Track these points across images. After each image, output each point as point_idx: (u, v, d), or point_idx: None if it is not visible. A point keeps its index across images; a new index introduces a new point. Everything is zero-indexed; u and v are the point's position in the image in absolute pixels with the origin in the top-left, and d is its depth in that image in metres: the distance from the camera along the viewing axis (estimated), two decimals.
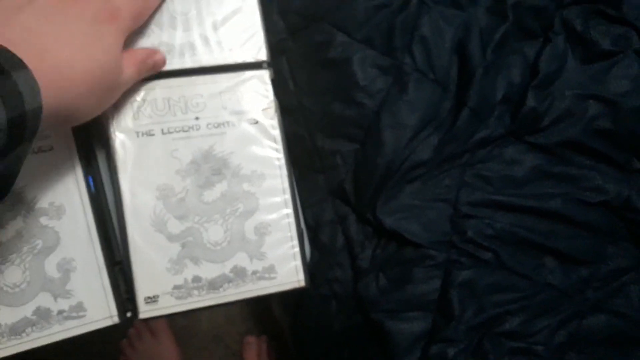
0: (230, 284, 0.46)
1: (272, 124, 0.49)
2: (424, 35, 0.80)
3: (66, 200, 0.44)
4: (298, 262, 0.48)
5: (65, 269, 0.43)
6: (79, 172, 0.45)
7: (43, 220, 0.43)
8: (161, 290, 0.45)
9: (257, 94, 0.49)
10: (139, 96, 0.46)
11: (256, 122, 0.48)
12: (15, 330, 0.42)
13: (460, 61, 0.82)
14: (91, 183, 0.45)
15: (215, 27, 0.48)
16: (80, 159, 0.45)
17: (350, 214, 0.85)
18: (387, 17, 0.80)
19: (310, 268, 0.69)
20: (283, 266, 0.47)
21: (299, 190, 0.85)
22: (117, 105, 0.45)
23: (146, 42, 0.46)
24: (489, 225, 0.81)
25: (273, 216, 0.48)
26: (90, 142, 0.45)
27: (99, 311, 0.44)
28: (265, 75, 0.49)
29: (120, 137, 0.46)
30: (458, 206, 0.82)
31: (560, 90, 0.82)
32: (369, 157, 0.82)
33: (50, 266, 0.43)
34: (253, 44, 0.49)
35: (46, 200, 0.44)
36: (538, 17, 0.83)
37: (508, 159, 0.83)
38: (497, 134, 0.83)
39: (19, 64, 0.29)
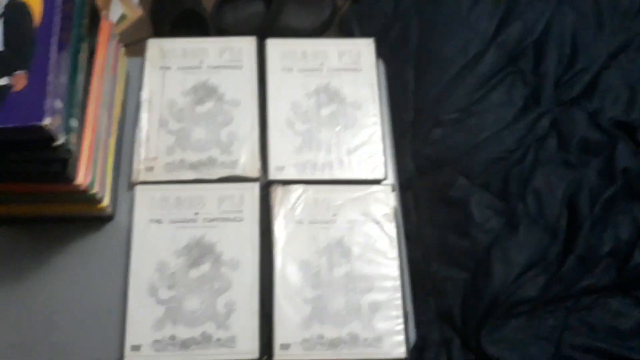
0: (346, 346, 0.58)
1: (390, 225, 0.63)
2: (536, 187, 0.92)
3: (243, 258, 0.60)
4: (401, 338, 0.58)
5: (230, 308, 0.58)
6: (256, 240, 0.61)
7: (223, 269, 0.60)
8: (292, 340, 0.58)
9: (381, 203, 0.64)
10: (297, 194, 0.64)
11: (378, 223, 0.63)
12: (185, 344, 0.57)
13: (569, 213, 0.91)
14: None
15: (348, 153, 0.66)
16: (260, 231, 0.62)
17: (455, 339, 0.92)
18: (504, 168, 0.94)
19: None
20: (389, 339, 0.58)
21: (414, 312, 0.95)
22: (283, 199, 0.63)
23: (298, 158, 0.65)
24: None
25: (384, 296, 0.60)
26: (270, 221, 0.62)
27: (246, 347, 0.57)
28: (387, 189, 0.65)
29: (281, 222, 0.63)
30: (561, 347, 0.86)
31: None
32: (478, 287, 0.91)
33: (220, 303, 0.59)
34: (374, 166, 0.66)
35: (229, 255, 0.61)
36: None
37: (613, 310, 0.87)
38: (603, 285, 0.88)
39: None
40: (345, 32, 1.26)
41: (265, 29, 1.32)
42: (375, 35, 1.12)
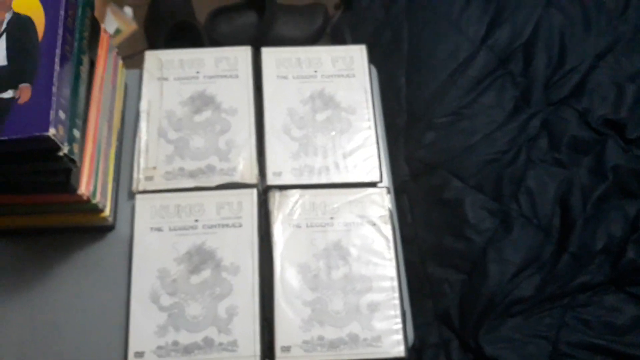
0: (346, 346, 0.59)
1: (386, 227, 0.65)
2: (529, 187, 0.93)
3: (243, 263, 0.62)
4: (400, 337, 0.60)
5: (231, 312, 0.59)
6: (255, 245, 0.62)
7: (224, 275, 0.61)
8: (293, 342, 0.59)
9: (377, 205, 0.66)
10: (294, 198, 0.65)
11: (374, 225, 0.64)
12: (188, 350, 0.58)
13: (562, 211, 0.93)
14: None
15: (344, 156, 0.68)
16: (259, 236, 0.63)
17: (453, 340, 0.93)
18: (497, 169, 0.95)
19: None
20: (387, 338, 0.59)
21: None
22: (281, 203, 0.64)
23: (295, 163, 0.66)
24: None
25: (382, 296, 0.61)
26: (269, 226, 0.64)
27: (247, 350, 0.58)
28: (383, 192, 0.66)
29: (279, 227, 0.64)
30: (558, 345, 0.87)
31: None
32: (474, 287, 0.92)
33: (222, 308, 0.60)
34: (370, 169, 0.67)
35: (229, 260, 0.62)
36: (638, 179, 0.93)
37: (608, 306, 0.88)
38: (598, 281, 0.90)
39: None
40: (338, 40, 1.28)
41: (258, 39, 1.33)
42: (367, 42, 1.14)
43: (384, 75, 1.09)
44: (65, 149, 0.49)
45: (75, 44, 0.54)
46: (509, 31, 1.04)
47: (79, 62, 0.54)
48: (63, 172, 0.52)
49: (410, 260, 0.99)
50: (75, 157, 0.51)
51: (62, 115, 0.48)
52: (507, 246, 0.91)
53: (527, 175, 0.94)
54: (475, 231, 0.93)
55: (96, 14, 1.27)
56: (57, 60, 0.49)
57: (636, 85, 0.99)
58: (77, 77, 0.53)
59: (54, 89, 0.48)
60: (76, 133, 0.52)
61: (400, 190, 1.01)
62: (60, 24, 0.51)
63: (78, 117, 0.53)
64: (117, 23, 1.36)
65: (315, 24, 1.38)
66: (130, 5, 1.38)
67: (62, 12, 0.51)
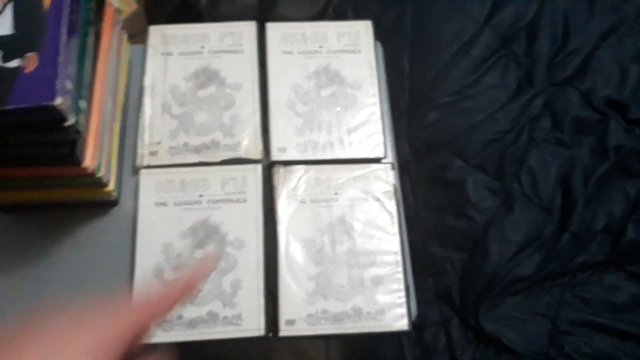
0: (349, 319, 0.59)
1: (390, 202, 0.65)
2: (531, 166, 0.94)
3: (247, 238, 0.62)
4: (404, 310, 0.60)
5: (235, 287, 0.60)
6: (260, 220, 0.63)
7: (228, 249, 0.61)
8: (297, 316, 0.59)
9: (381, 181, 0.66)
10: (298, 174, 0.65)
11: (378, 200, 0.64)
12: (193, 324, 0.58)
13: (563, 191, 0.93)
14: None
15: (349, 132, 0.67)
16: (264, 212, 0.63)
17: (454, 318, 0.94)
18: (499, 148, 0.95)
19: None
20: (391, 312, 0.60)
21: None
22: (285, 179, 0.64)
23: (299, 139, 0.66)
24: (587, 344, 0.86)
25: (386, 270, 0.61)
26: (273, 202, 0.64)
27: (252, 324, 0.59)
28: (387, 168, 0.66)
29: (284, 202, 0.64)
30: (557, 322, 0.88)
31: None
32: (475, 266, 0.93)
33: (226, 282, 0.60)
34: (374, 145, 0.67)
35: (234, 235, 0.62)
36: (639, 159, 0.94)
37: (608, 284, 0.89)
38: (598, 260, 0.90)
39: None
40: (341, 20, 1.27)
41: (259, 20, 1.33)
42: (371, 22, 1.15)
43: (387, 55, 1.09)
44: (71, 120, 0.49)
45: (82, 14, 0.53)
46: (512, 11, 1.04)
47: (86, 33, 0.54)
48: (68, 143, 0.52)
49: (412, 240, 0.99)
50: (82, 129, 0.51)
51: (68, 85, 0.48)
52: (508, 225, 0.92)
53: (529, 154, 0.94)
54: (477, 210, 0.94)
55: None
56: (63, 29, 0.49)
57: None
58: (83, 48, 0.53)
59: (61, 59, 0.48)
60: (82, 104, 0.52)
61: (403, 171, 1.01)
62: None
63: (85, 88, 0.53)
64: (117, 3, 1.34)
65: (317, 4, 1.37)
66: None
67: None
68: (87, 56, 0.54)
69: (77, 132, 0.50)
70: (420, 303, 0.98)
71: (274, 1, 1.34)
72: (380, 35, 1.11)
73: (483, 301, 0.91)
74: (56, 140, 0.51)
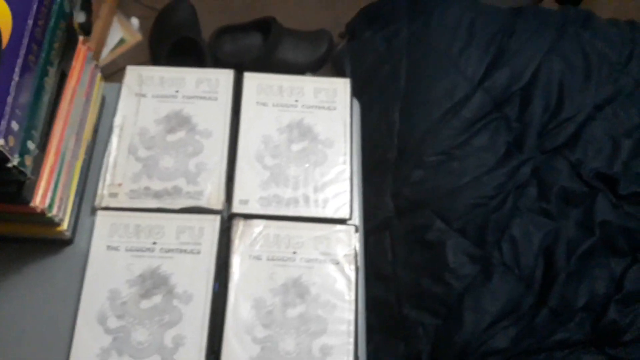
0: None
1: (350, 267, 0.62)
2: (513, 235, 0.91)
3: (196, 292, 0.59)
4: None
5: (177, 342, 0.57)
6: (211, 275, 0.60)
7: (175, 302, 0.59)
8: None
9: (343, 243, 0.63)
10: (258, 229, 0.63)
11: (338, 263, 0.62)
12: None
13: (545, 264, 0.90)
14: (216, 287, 0.61)
15: (315, 190, 0.65)
16: (216, 266, 0.61)
17: None
18: (482, 214, 0.93)
19: None
20: None
21: (380, 352, 0.93)
22: (243, 233, 0.62)
23: (263, 192, 0.64)
24: None
25: (337, 341, 0.58)
26: (228, 256, 0.62)
27: None
28: (351, 230, 0.64)
29: (239, 257, 0.62)
30: None
31: None
32: (448, 334, 0.89)
33: (168, 337, 0.57)
34: (340, 206, 0.65)
35: (182, 287, 0.60)
36: (627, 237, 0.90)
37: None
38: (576, 339, 0.87)
39: None
40: (338, 68, 1.27)
41: (261, 61, 1.33)
42: (366, 74, 1.14)
43: (379, 109, 1.08)
44: (14, 161, 0.48)
45: (42, 54, 0.53)
46: (507, 74, 1.03)
47: (44, 74, 0.53)
48: (14, 183, 0.51)
49: (386, 299, 0.96)
50: (27, 170, 0.50)
51: (14, 126, 0.47)
52: (485, 295, 0.89)
53: (512, 223, 0.92)
54: (454, 276, 0.91)
55: (102, 22, 1.28)
56: (17, 69, 0.48)
57: (633, 141, 0.97)
58: (40, 88, 0.53)
59: (9, 99, 0.47)
60: (30, 145, 0.51)
61: (384, 227, 0.99)
62: (27, 33, 0.50)
63: (35, 129, 0.52)
64: (122, 33, 1.36)
65: (319, 50, 1.37)
66: (137, 16, 1.39)
67: (30, 22, 0.51)
68: (43, 96, 0.53)
69: (21, 173, 0.49)
70: None
71: (276, 44, 1.34)
72: (373, 87, 1.11)
73: None
74: (2, 179, 0.50)
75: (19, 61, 0.49)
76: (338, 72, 1.26)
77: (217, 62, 1.35)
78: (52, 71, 0.55)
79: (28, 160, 0.50)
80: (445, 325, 0.90)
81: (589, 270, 0.89)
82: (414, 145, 1.02)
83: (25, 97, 0.50)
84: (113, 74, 1.20)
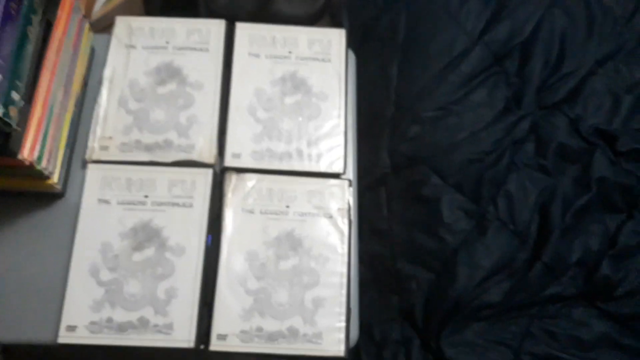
0: (284, 340, 0.57)
1: (343, 220, 0.62)
2: (509, 191, 0.90)
3: (188, 245, 0.60)
4: (342, 335, 0.58)
5: (170, 294, 0.58)
6: (204, 228, 0.61)
7: (168, 255, 0.59)
8: (230, 331, 0.57)
9: (336, 197, 0.63)
10: (251, 183, 0.63)
11: (331, 217, 0.62)
12: (122, 328, 0.57)
13: (540, 219, 0.90)
14: (209, 240, 0.61)
15: (309, 144, 0.65)
16: (209, 220, 0.61)
17: (415, 338, 0.91)
18: (478, 169, 0.92)
19: None
20: (329, 336, 0.58)
21: (374, 306, 0.94)
22: (236, 187, 0.62)
23: (256, 146, 0.64)
24: None
25: (329, 292, 0.59)
26: (221, 209, 0.62)
27: (182, 335, 0.57)
28: (345, 185, 0.64)
29: (231, 211, 0.62)
30: (520, 354, 0.85)
31: (638, 265, 0.86)
32: (442, 288, 0.90)
33: (161, 289, 0.58)
34: (334, 160, 0.65)
35: (175, 240, 0.60)
36: (623, 194, 0.90)
37: (577, 319, 0.86)
38: (569, 294, 0.87)
39: None
40: (337, 21, 1.24)
41: (257, 13, 1.30)
42: (364, 28, 1.12)
43: (377, 63, 1.06)
44: None
45: (25, 2, 0.51)
46: (508, 28, 1.00)
47: (27, 22, 0.52)
48: (1, 134, 0.50)
49: (381, 254, 0.96)
50: (12, 122, 0.49)
51: None
52: (479, 249, 0.89)
53: (508, 179, 0.91)
54: (449, 231, 0.91)
55: None
56: None
57: (633, 97, 0.95)
58: (23, 38, 0.51)
59: None
60: (15, 96, 0.50)
61: (380, 183, 0.99)
62: None
63: (19, 80, 0.51)
64: None
65: (316, 3, 1.34)
66: None
67: None
68: (27, 45, 0.52)
69: (6, 124, 0.48)
70: (382, 320, 0.96)
71: None
72: (372, 42, 1.08)
73: (446, 325, 0.88)
74: None
75: (0, 8, 0.47)
76: (336, 26, 1.23)
77: (212, 14, 1.32)
78: (36, 20, 0.54)
79: (13, 111, 0.49)
80: (439, 279, 0.91)
81: (584, 226, 0.89)
82: (411, 101, 1.00)
83: (7, 47, 0.49)
84: (106, 28, 1.17)
